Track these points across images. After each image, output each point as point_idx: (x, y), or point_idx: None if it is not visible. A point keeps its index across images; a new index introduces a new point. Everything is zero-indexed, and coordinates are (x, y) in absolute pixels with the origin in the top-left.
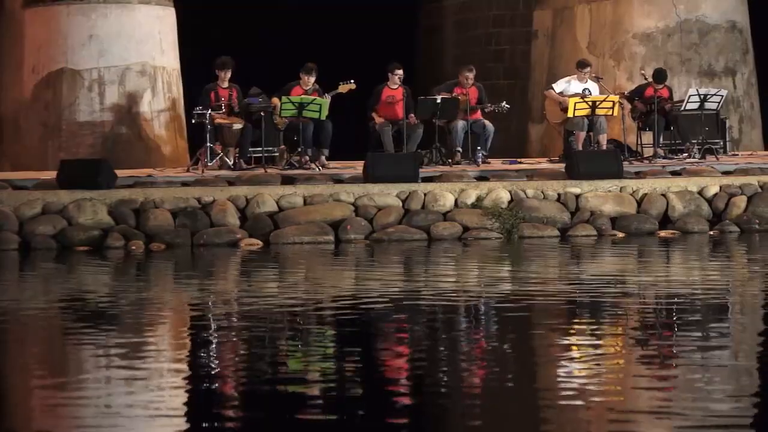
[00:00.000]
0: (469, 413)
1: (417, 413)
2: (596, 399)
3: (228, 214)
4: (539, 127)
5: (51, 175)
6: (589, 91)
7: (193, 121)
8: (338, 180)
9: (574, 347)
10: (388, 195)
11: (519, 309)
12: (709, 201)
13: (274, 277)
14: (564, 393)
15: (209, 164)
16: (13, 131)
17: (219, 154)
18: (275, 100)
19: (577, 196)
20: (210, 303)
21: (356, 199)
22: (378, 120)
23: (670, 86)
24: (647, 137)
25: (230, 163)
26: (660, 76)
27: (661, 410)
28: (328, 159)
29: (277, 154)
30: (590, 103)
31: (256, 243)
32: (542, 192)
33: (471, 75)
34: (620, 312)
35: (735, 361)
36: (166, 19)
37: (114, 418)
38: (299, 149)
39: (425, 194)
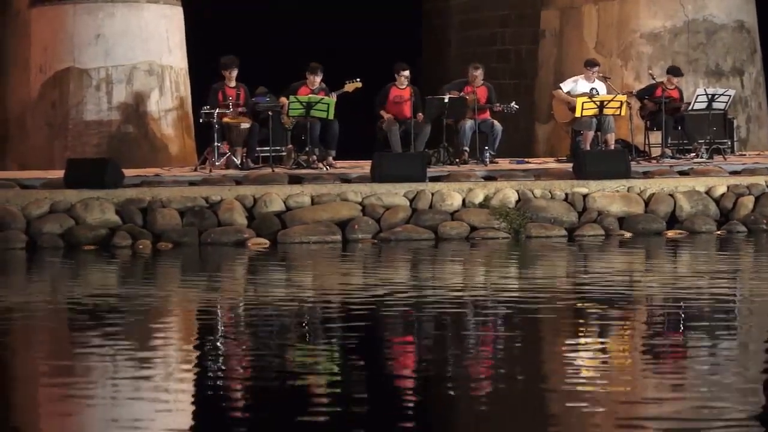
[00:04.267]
0: (476, 412)
1: (423, 412)
2: (604, 401)
3: (235, 213)
4: (546, 127)
5: (58, 174)
6: (597, 91)
7: (201, 121)
8: (345, 179)
9: (581, 348)
10: (395, 194)
11: (526, 309)
12: (717, 201)
13: (282, 276)
14: (571, 394)
15: (217, 163)
16: (20, 131)
17: (226, 153)
18: (283, 99)
19: (585, 196)
20: (217, 302)
21: (363, 198)
22: (386, 119)
23: (680, 87)
24: (655, 137)
25: (238, 162)
26: (676, 71)
27: (667, 412)
28: (335, 158)
29: (284, 153)
30: (598, 103)
31: (264, 242)
32: (550, 192)
33: (478, 72)
34: (628, 313)
35: (742, 361)
36: (174, 18)
37: (118, 420)
38: (307, 149)
39: (433, 194)
